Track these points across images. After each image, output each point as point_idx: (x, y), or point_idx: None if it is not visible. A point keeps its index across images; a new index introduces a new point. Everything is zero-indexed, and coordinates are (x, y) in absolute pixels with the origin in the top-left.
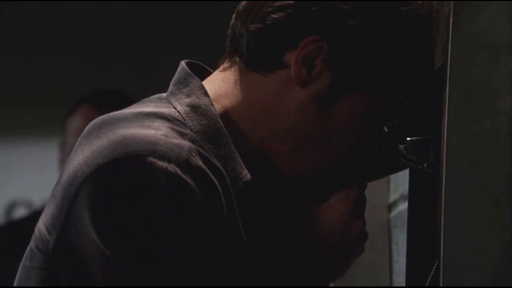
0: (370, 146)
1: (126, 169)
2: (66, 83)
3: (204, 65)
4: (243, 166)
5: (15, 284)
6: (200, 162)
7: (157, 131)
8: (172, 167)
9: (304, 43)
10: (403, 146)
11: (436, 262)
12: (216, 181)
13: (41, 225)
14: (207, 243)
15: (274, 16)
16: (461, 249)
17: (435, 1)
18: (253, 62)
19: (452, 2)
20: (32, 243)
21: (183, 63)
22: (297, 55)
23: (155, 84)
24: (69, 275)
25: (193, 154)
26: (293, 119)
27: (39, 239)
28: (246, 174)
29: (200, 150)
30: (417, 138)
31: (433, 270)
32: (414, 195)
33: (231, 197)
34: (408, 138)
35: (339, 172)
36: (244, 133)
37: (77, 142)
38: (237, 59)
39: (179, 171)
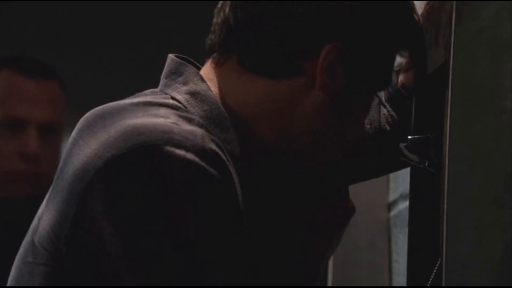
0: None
1: (143, 159)
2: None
3: (191, 60)
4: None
5: (13, 280)
6: (214, 147)
7: (166, 119)
8: (190, 156)
9: (326, 50)
10: (404, 144)
11: (438, 262)
12: (229, 166)
13: (45, 221)
14: (230, 231)
15: (288, 22)
16: (462, 249)
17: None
18: (261, 67)
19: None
20: (33, 239)
21: (171, 56)
22: (322, 64)
23: (155, 84)
24: (83, 271)
25: (207, 140)
26: (310, 123)
27: (44, 236)
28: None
29: (210, 136)
30: (418, 136)
31: (435, 270)
32: (415, 194)
33: (239, 182)
34: (409, 137)
35: (348, 160)
36: (254, 131)
37: (76, 135)
38: (236, 58)
39: (197, 159)
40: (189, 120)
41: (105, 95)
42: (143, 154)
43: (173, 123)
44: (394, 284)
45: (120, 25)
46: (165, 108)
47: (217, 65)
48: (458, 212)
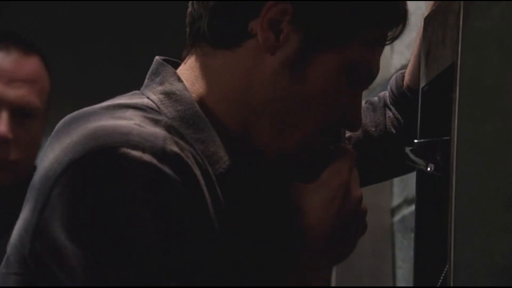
0: (353, 111)
1: (98, 162)
2: (61, 85)
3: (178, 61)
4: (225, 150)
5: None
6: (176, 149)
7: (129, 121)
8: (147, 157)
9: (267, 7)
10: (410, 148)
11: (446, 267)
12: (194, 169)
13: (15, 231)
14: (186, 232)
15: None
16: (471, 254)
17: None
18: (218, 39)
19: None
20: (6, 249)
21: (156, 57)
22: (262, 21)
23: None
24: (45, 278)
25: (169, 142)
26: (268, 90)
27: (13, 246)
28: (228, 159)
29: (176, 138)
30: (425, 140)
31: (443, 275)
32: (421, 199)
33: (213, 183)
34: (415, 140)
35: (325, 141)
36: (223, 116)
37: (47, 142)
38: (200, 43)
39: (154, 161)
40: (155, 122)
41: (98, 95)
42: (99, 157)
43: (136, 124)
44: None
45: (116, 25)
46: (132, 110)
47: (188, 58)
48: (466, 216)
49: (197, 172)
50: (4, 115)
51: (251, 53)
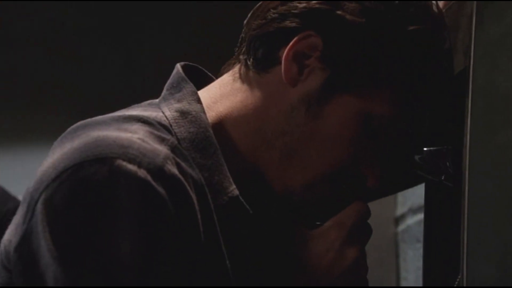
0: (369, 164)
1: (90, 172)
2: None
3: (203, 68)
4: (231, 180)
5: None
6: (175, 171)
7: (134, 134)
8: (142, 172)
9: (298, 38)
10: (419, 156)
11: (458, 279)
12: (191, 194)
13: (5, 237)
14: (169, 257)
15: (275, 11)
16: (487, 270)
17: (455, 1)
18: (252, 62)
19: (475, 1)
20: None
21: (178, 66)
22: (288, 50)
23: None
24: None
25: (169, 162)
26: (283, 122)
27: (3, 253)
28: (233, 189)
29: (178, 159)
30: (435, 148)
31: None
32: (430, 209)
33: (211, 212)
34: (425, 149)
35: (333, 188)
36: (237, 143)
37: (53, 146)
38: (237, 63)
39: (149, 177)
40: (161, 140)
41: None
42: (93, 166)
43: (139, 138)
44: None
45: (114, 26)
46: (141, 124)
47: (223, 74)
48: (481, 230)
49: (194, 198)
50: None
51: (276, 81)
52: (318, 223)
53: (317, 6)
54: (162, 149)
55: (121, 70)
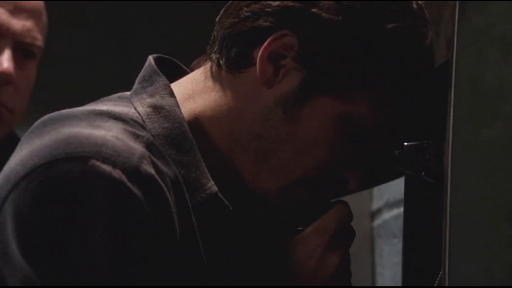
0: (350, 170)
1: (63, 171)
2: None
3: (177, 61)
4: (209, 176)
5: None
6: (152, 171)
7: (107, 132)
8: (116, 173)
9: (273, 38)
10: (399, 151)
11: (439, 276)
12: (168, 194)
13: None
14: (144, 259)
15: (248, 9)
16: (469, 270)
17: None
18: (224, 61)
19: None
20: None
21: (151, 59)
22: (263, 50)
23: None
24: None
25: (145, 161)
26: (257, 124)
27: None
28: (211, 186)
29: (154, 158)
30: (416, 143)
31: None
32: (410, 205)
33: (188, 211)
34: (405, 143)
35: (311, 192)
36: (212, 142)
37: (20, 141)
38: (209, 60)
39: (124, 178)
40: (136, 137)
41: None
42: (65, 166)
43: (113, 136)
44: None
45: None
46: (114, 120)
47: (199, 68)
48: (463, 229)
49: (171, 198)
50: (8, 50)
51: (251, 82)
52: (300, 228)
53: (291, 4)
54: (138, 148)
55: (110, 62)
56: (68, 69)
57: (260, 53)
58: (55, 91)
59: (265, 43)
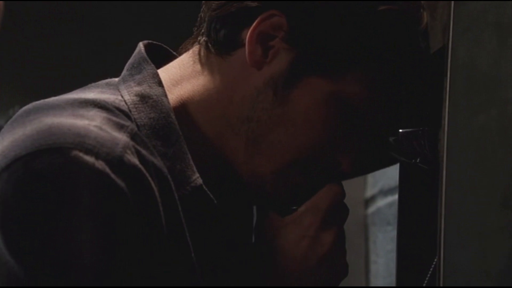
0: (344, 153)
1: (45, 162)
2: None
3: (168, 48)
4: (194, 168)
5: None
6: (136, 161)
7: (90, 122)
8: (100, 164)
9: (261, 18)
10: (394, 138)
11: (433, 264)
12: (153, 185)
13: None
14: (132, 254)
15: None
16: (464, 257)
17: None
18: (213, 44)
19: None
20: None
21: (141, 45)
22: (252, 31)
23: None
24: None
25: (129, 151)
26: (248, 107)
27: None
28: (196, 178)
29: (139, 147)
30: (411, 129)
31: (429, 274)
32: (404, 192)
33: (175, 203)
34: (400, 130)
35: (305, 175)
36: (201, 129)
37: (2, 130)
38: (197, 43)
39: (107, 169)
40: (120, 127)
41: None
42: (47, 157)
43: (96, 126)
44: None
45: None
46: (98, 109)
47: (187, 52)
48: (458, 215)
49: (156, 189)
50: None
51: (240, 64)
52: (293, 207)
53: None
54: (121, 137)
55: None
56: (68, 69)
57: (248, 34)
58: (55, 91)
59: (254, 24)
